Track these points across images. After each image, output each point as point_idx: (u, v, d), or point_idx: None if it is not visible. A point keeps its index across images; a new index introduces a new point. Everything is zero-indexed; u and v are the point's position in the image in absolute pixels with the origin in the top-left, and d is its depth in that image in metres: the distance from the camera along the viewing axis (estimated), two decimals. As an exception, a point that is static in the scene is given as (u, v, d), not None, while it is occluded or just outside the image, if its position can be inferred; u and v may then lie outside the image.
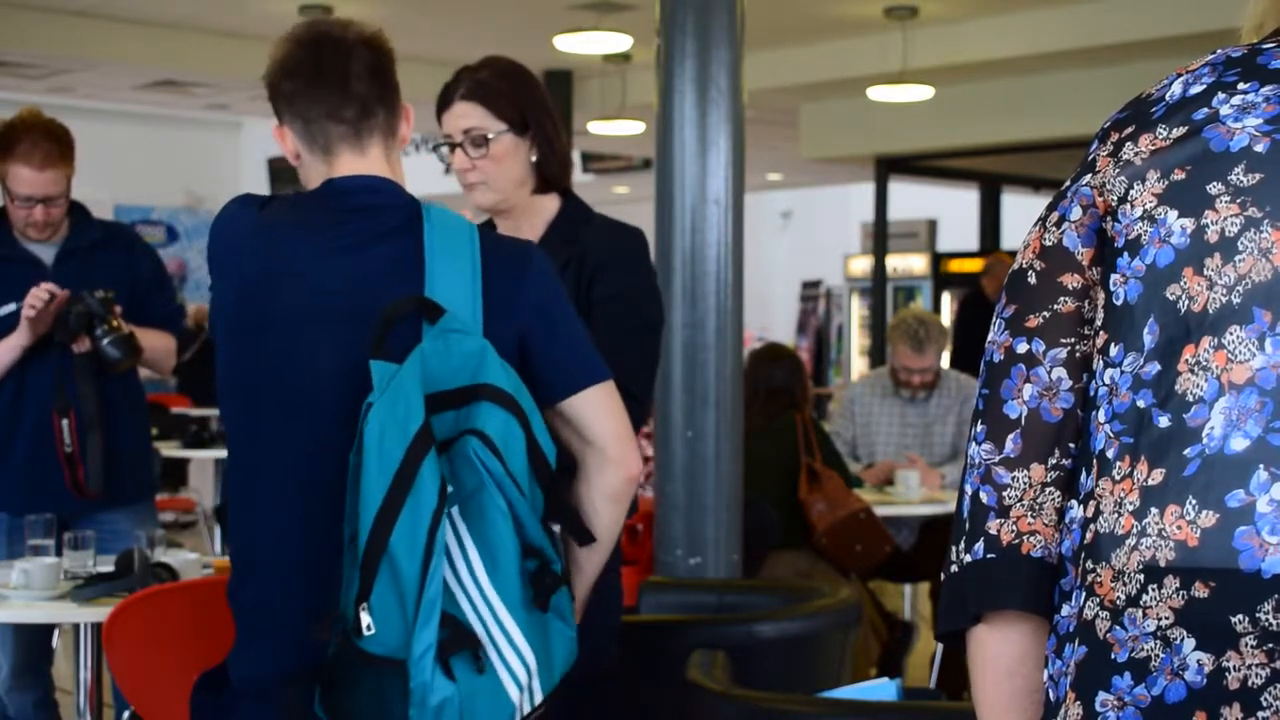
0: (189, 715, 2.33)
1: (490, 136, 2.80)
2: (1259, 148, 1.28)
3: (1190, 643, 1.21)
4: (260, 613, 2.18)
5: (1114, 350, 1.32)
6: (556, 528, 2.13)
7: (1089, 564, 1.28)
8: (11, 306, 3.90)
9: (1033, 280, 1.38)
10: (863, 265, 16.11)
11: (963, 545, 1.36)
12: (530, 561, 2.01)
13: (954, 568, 1.37)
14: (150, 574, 3.33)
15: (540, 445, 2.05)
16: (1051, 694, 1.31)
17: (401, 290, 2.10)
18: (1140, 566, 1.24)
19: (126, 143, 16.00)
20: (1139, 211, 1.31)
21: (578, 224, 2.87)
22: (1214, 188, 1.28)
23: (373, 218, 2.18)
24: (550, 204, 2.91)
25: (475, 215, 2.89)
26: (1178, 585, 1.22)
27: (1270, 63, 1.32)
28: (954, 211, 16.18)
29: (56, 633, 4.55)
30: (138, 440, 4.14)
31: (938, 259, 15.19)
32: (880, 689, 2.73)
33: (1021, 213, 12.97)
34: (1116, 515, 1.27)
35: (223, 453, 7.84)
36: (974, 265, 13.85)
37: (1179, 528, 1.23)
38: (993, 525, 1.35)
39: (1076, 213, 1.37)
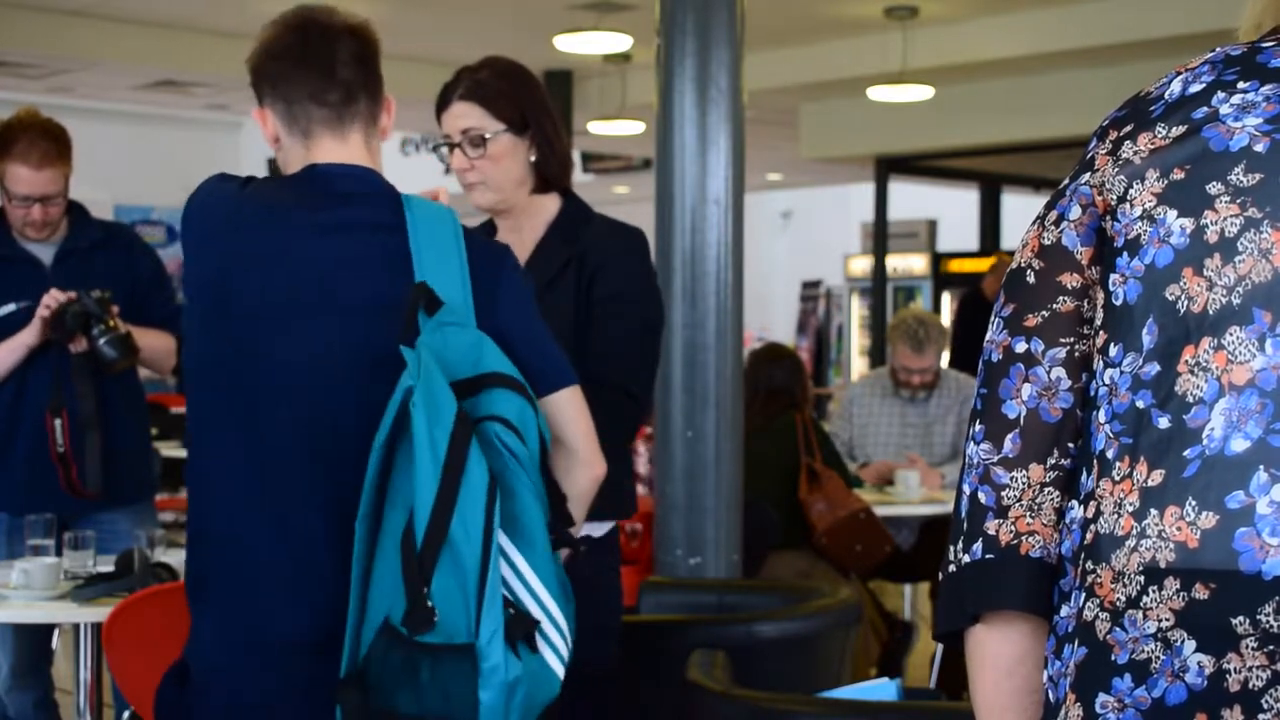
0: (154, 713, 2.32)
1: (488, 136, 2.80)
2: (1259, 147, 1.27)
3: (1191, 644, 1.20)
4: (223, 598, 2.16)
5: (1113, 350, 1.31)
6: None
7: (1089, 565, 1.28)
8: (11, 307, 3.90)
9: (1031, 279, 1.38)
10: (863, 265, 16.11)
11: (961, 545, 1.36)
12: (551, 536, 2.04)
13: (952, 568, 1.37)
14: (150, 574, 3.33)
15: (544, 431, 2.08)
16: (1051, 695, 1.31)
17: (389, 281, 2.11)
18: (1140, 568, 1.23)
19: (126, 143, 15.99)
20: (1138, 211, 1.31)
21: (578, 224, 2.87)
22: (1214, 187, 1.28)
23: (356, 205, 2.18)
24: (550, 204, 2.91)
25: (462, 212, 2.88)
26: (1178, 587, 1.21)
27: (1270, 61, 1.32)
28: (954, 211, 16.17)
29: (56, 633, 4.54)
30: (137, 440, 4.14)
31: (938, 259, 15.18)
32: (880, 689, 2.73)
33: (1021, 213, 12.97)
34: (1116, 516, 1.26)
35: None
36: (974, 265, 13.86)
37: (1179, 529, 1.22)
38: (991, 525, 1.35)
39: (1076, 211, 1.37)
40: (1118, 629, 1.24)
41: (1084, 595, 1.27)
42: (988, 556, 1.34)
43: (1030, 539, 1.34)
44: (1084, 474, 1.32)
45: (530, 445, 2.02)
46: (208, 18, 10.03)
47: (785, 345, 6.54)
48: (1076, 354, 1.36)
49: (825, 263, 18.80)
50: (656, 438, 4.49)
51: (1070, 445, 1.35)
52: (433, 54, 10.05)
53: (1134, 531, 1.25)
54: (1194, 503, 1.22)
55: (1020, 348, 1.37)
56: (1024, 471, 1.35)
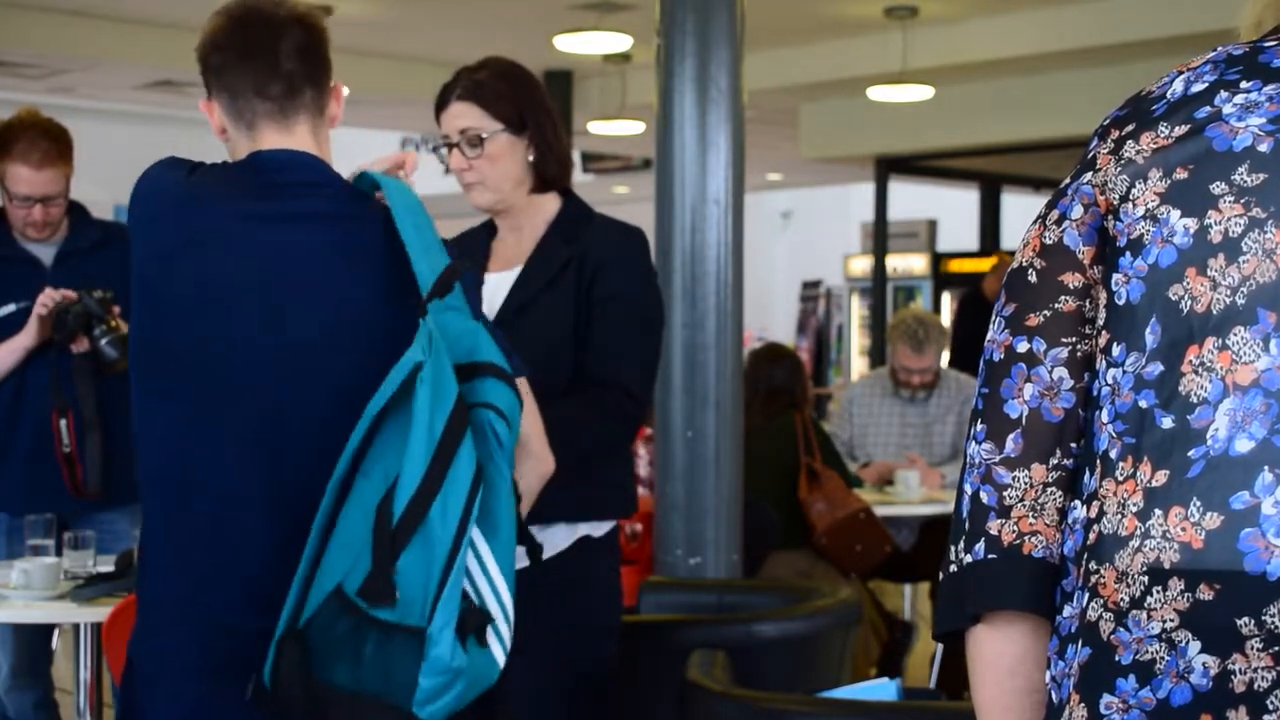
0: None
1: (485, 136, 2.80)
2: (1262, 147, 1.27)
3: (1195, 645, 1.20)
4: (159, 585, 2.15)
5: (1116, 350, 1.31)
6: None
7: (1092, 565, 1.27)
8: (11, 307, 3.89)
9: (1033, 279, 1.38)
10: (863, 265, 16.11)
11: (962, 545, 1.36)
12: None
13: (953, 568, 1.36)
14: (150, 574, 3.32)
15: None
16: (1054, 696, 1.31)
17: (335, 271, 2.10)
18: (1144, 568, 1.23)
19: (126, 143, 15.99)
20: (1141, 210, 1.31)
21: (578, 224, 2.87)
22: (1217, 187, 1.28)
23: (301, 195, 2.17)
24: (550, 204, 2.90)
25: (462, 212, 2.89)
26: (1182, 587, 1.21)
27: (1272, 61, 1.32)
28: (954, 211, 16.17)
29: (56, 633, 4.54)
30: (137, 440, 4.13)
31: (938, 259, 15.19)
32: (880, 689, 2.73)
33: (1021, 213, 12.97)
34: (1120, 516, 1.26)
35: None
36: (974, 265, 13.86)
37: (1183, 529, 1.22)
38: (993, 525, 1.34)
39: (1078, 211, 1.37)
40: (1122, 629, 1.24)
41: (1087, 595, 1.27)
42: (990, 556, 1.34)
43: (1033, 539, 1.33)
44: (1087, 474, 1.32)
45: (514, 437, 2.02)
46: (207, 18, 10.01)
47: (785, 345, 6.54)
48: (1079, 354, 1.35)
49: (825, 263, 18.81)
50: (656, 438, 4.49)
51: (1073, 445, 1.35)
52: (433, 54, 10.06)
53: (1138, 532, 1.24)
54: (1198, 503, 1.22)
55: (1022, 347, 1.36)
56: (1026, 471, 1.34)
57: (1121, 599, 1.24)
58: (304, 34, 2.22)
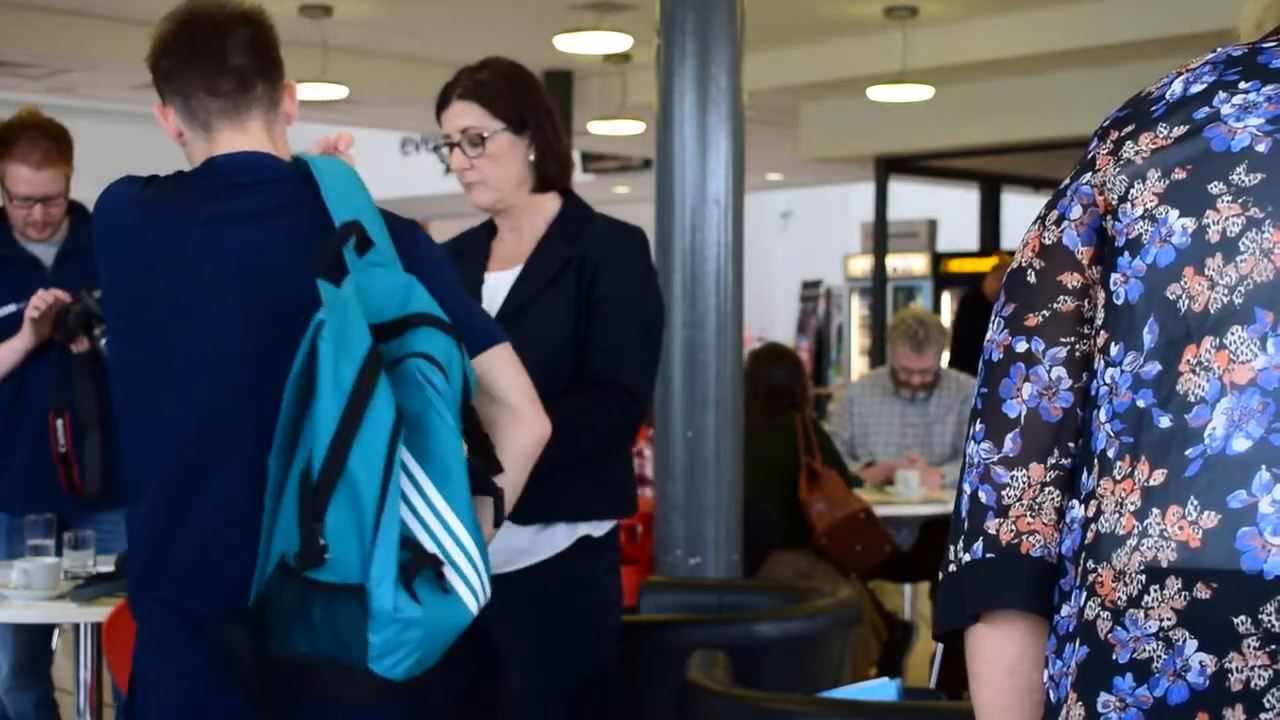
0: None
1: (486, 135, 2.81)
2: (1260, 147, 1.27)
3: (1192, 644, 1.20)
4: (153, 582, 2.16)
5: (1114, 349, 1.31)
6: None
7: (1090, 564, 1.28)
8: (11, 307, 3.89)
9: (1032, 279, 1.38)
10: (863, 265, 16.11)
11: (961, 545, 1.36)
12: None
13: (952, 567, 1.37)
14: (150, 574, 3.32)
15: (469, 373, 2.05)
16: (1052, 694, 1.31)
17: (301, 263, 2.09)
18: (1142, 567, 1.23)
19: (126, 143, 15.99)
20: (1139, 210, 1.31)
21: (578, 223, 2.87)
22: (1215, 187, 1.28)
23: (256, 195, 2.17)
24: (550, 204, 2.91)
25: (463, 212, 2.89)
26: (1180, 586, 1.21)
27: (1271, 62, 1.32)
28: (954, 211, 16.17)
29: (56, 633, 4.54)
30: (138, 440, 4.13)
31: (938, 259, 15.18)
32: (880, 689, 2.73)
33: (1021, 213, 12.97)
34: (1117, 515, 1.26)
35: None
36: (974, 265, 13.86)
37: (1180, 528, 1.22)
38: (992, 525, 1.34)
39: (1076, 211, 1.37)
40: (1119, 628, 1.24)
41: (1085, 594, 1.27)
42: (988, 556, 1.34)
43: (1031, 538, 1.34)
44: (1084, 473, 1.32)
45: (454, 384, 1.99)
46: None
47: (785, 345, 6.55)
48: (1077, 353, 1.36)
49: (825, 263, 18.81)
50: (656, 438, 4.49)
51: (1071, 445, 1.35)
52: (433, 54, 10.06)
53: (1135, 531, 1.25)
54: (1196, 502, 1.22)
55: (1021, 347, 1.36)
56: (1024, 471, 1.35)
57: (1119, 598, 1.24)
58: (250, 31, 2.23)
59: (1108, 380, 1.31)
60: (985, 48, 10.07)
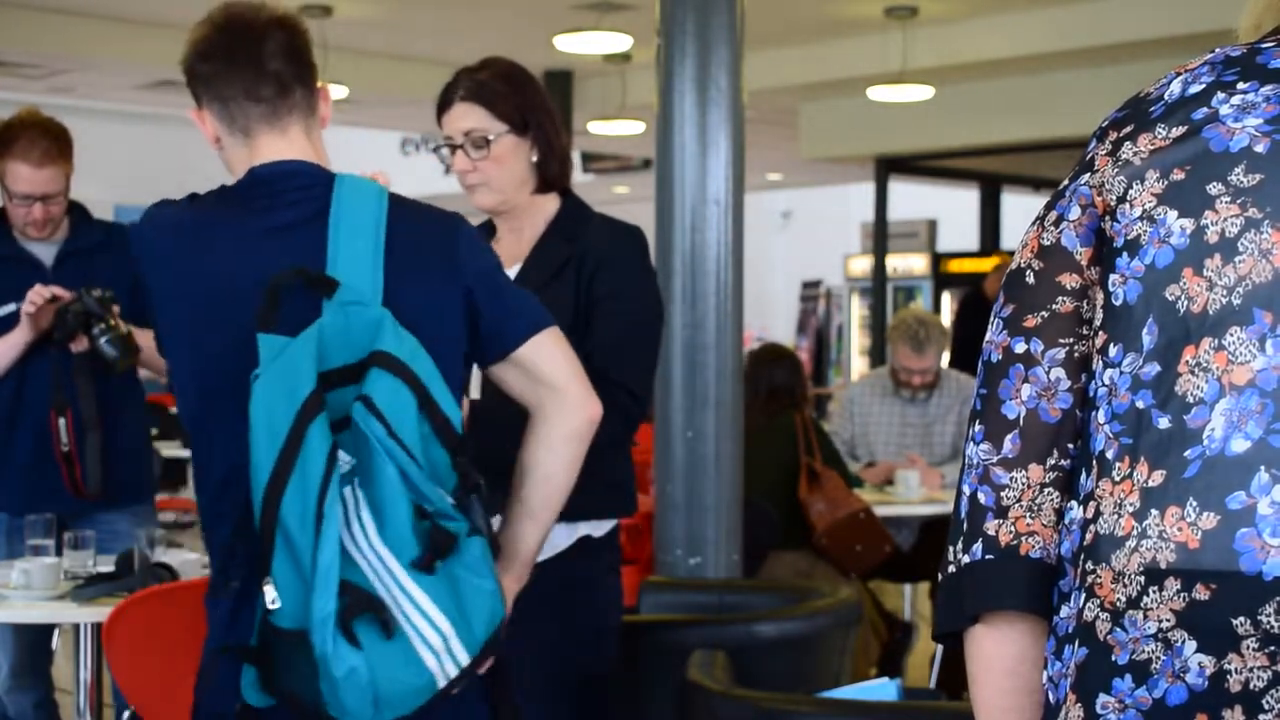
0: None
1: (491, 138, 2.80)
2: (1259, 148, 1.27)
3: (1191, 645, 1.20)
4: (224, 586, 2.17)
5: (1113, 351, 1.31)
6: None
7: (1089, 565, 1.28)
8: (11, 307, 3.89)
9: (1031, 280, 1.38)
10: (863, 265, 16.11)
11: (960, 546, 1.36)
12: (424, 523, 1.98)
13: (951, 568, 1.37)
14: (150, 574, 3.33)
15: (441, 408, 2.02)
16: (1051, 696, 1.31)
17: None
18: (1141, 568, 1.23)
19: (126, 143, 15.98)
20: (1138, 211, 1.31)
21: (577, 223, 2.87)
22: (1214, 188, 1.28)
23: (297, 205, 2.18)
24: (550, 204, 2.91)
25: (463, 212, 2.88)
26: (1179, 587, 1.21)
27: (1270, 62, 1.32)
28: (954, 211, 16.18)
29: (56, 633, 4.54)
30: (137, 440, 4.14)
31: (938, 259, 15.19)
32: (880, 689, 2.73)
33: (1021, 213, 12.97)
34: (1116, 516, 1.26)
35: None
36: (974, 265, 13.86)
37: (1179, 529, 1.22)
38: (991, 526, 1.34)
39: (1075, 212, 1.37)
40: (1118, 629, 1.24)
41: (1084, 596, 1.27)
42: (987, 557, 1.34)
43: (1030, 539, 1.34)
44: (1083, 474, 1.32)
45: (400, 427, 1.97)
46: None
47: (784, 345, 6.55)
48: (1076, 354, 1.36)
49: (825, 263, 18.81)
50: (656, 438, 4.49)
51: (1070, 446, 1.35)
52: (433, 54, 10.06)
53: (1134, 532, 1.25)
54: (1195, 503, 1.22)
55: (1020, 348, 1.36)
56: (1023, 472, 1.35)
57: (1118, 599, 1.24)
58: (287, 36, 2.23)
59: (1106, 381, 1.31)
60: (985, 48, 10.08)
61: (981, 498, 1.35)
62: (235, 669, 2.04)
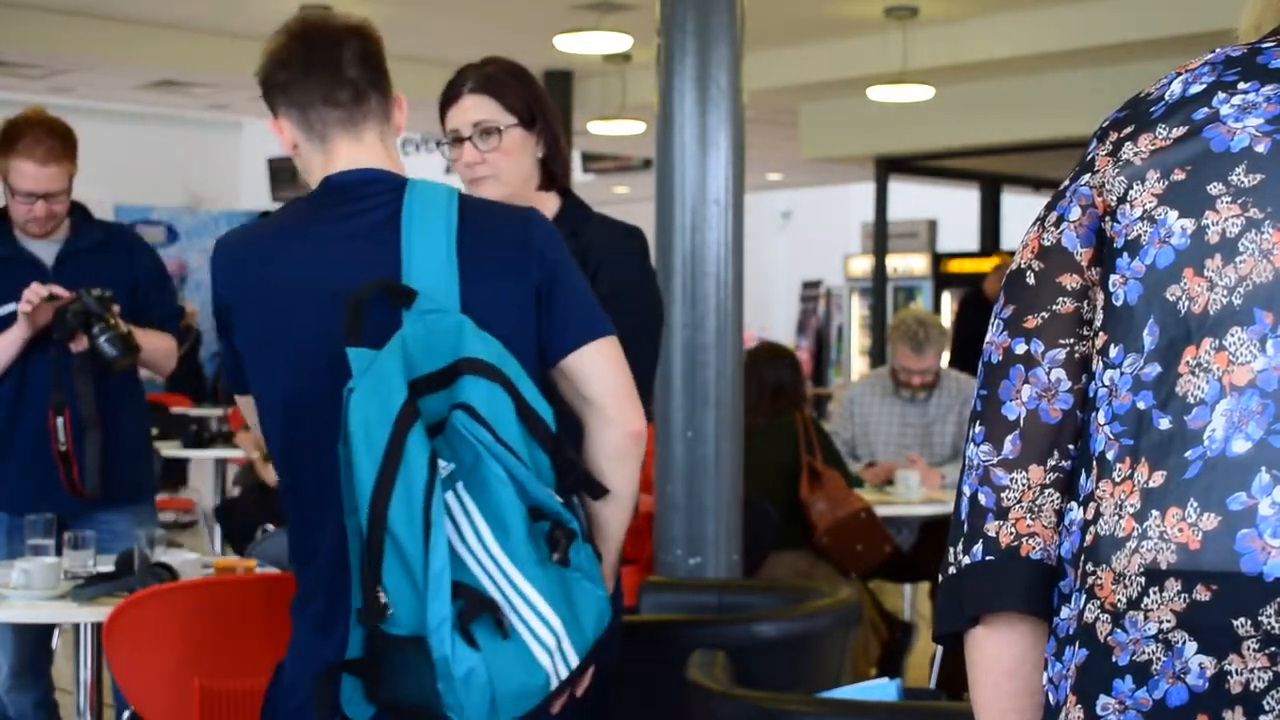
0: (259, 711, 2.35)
1: (502, 129, 2.80)
2: (1260, 148, 1.27)
3: (1192, 646, 1.20)
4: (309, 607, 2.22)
5: (1113, 351, 1.31)
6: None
7: (1089, 566, 1.28)
8: (12, 306, 3.90)
9: (1031, 280, 1.38)
10: (863, 265, 16.12)
11: (961, 547, 1.36)
12: (541, 523, 2.02)
13: (952, 569, 1.37)
14: (150, 574, 3.33)
15: (534, 409, 2.05)
16: (1051, 697, 1.31)
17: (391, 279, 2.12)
18: (1141, 569, 1.23)
19: (126, 143, 15.99)
20: (1139, 212, 1.31)
21: (578, 223, 2.87)
22: (1214, 188, 1.28)
23: (370, 213, 2.20)
24: (551, 203, 2.90)
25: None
26: (1179, 588, 1.21)
27: (1270, 62, 1.32)
28: (954, 211, 16.18)
29: (56, 633, 4.54)
30: (138, 440, 4.14)
31: (938, 259, 15.19)
32: (880, 689, 2.73)
33: (1021, 213, 12.97)
34: (1117, 517, 1.26)
35: (222, 452, 7.88)
36: (974, 265, 13.87)
37: (1180, 530, 1.22)
38: (991, 527, 1.34)
39: (1075, 213, 1.37)
40: (1118, 630, 1.24)
41: (1084, 597, 1.27)
42: (988, 558, 1.34)
43: (1030, 540, 1.33)
44: (1083, 475, 1.32)
45: (503, 431, 2.00)
46: (208, 18, 10.03)
47: (781, 344, 6.55)
48: (1076, 355, 1.36)
49: (825, 263, 18.82)
50: (656, 438, 4.49)
51: (1070, 447, 1.35)
52: (433, 54, 10.05)
53: (1135, 533, 1.25)
54: (1195, 504, 1.22)
55: (1020, 349, 1.36)
56: (1024, 473, 1.34)
57: (1118, 600, 1.24)
58: (362, 43, 2.26)
59: (1107, 382, 1.31)
60: (985, 48, 10.08)
61: (982, 499, 1.35)
62: (334, 684, 2.05)
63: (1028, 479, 1.34)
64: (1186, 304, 1.27)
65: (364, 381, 1.97)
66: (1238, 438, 1.22)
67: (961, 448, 1.40)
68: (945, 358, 6.68)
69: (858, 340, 16.66)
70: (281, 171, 16.33)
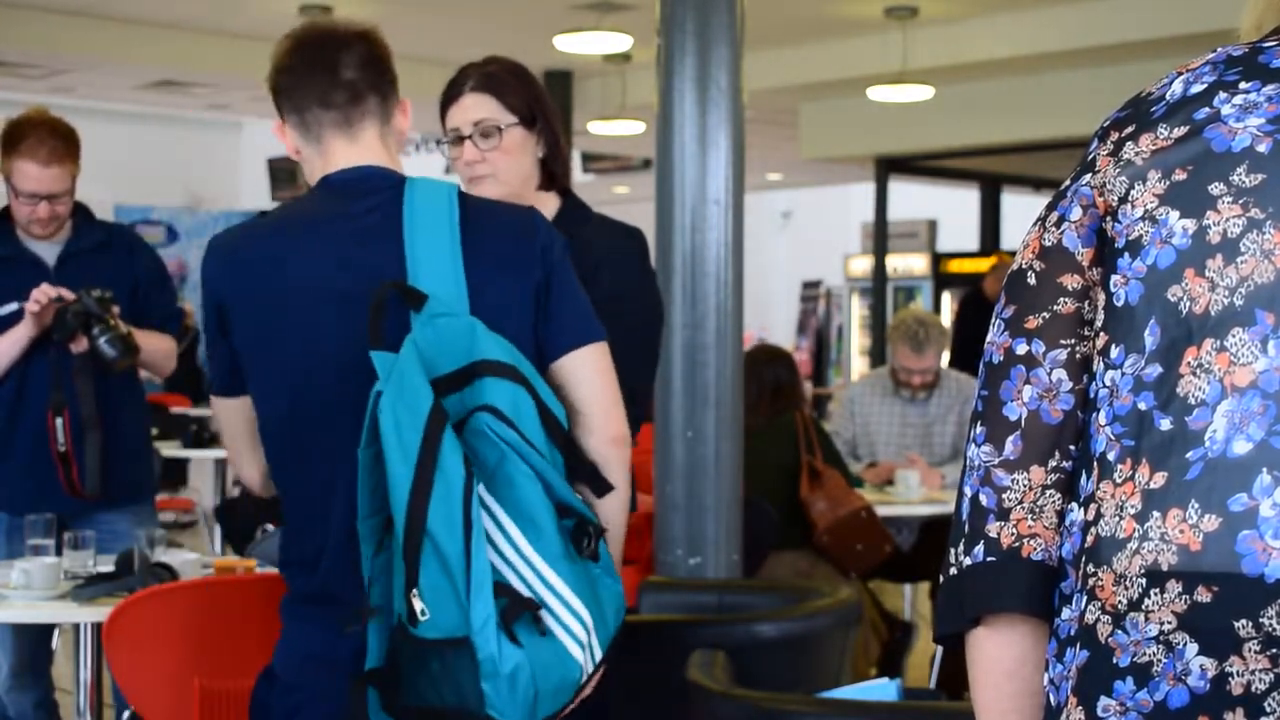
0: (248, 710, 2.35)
1: (502, 127, 2.80)
2: (1261, 148, 1.27)
3: (1193, 648, 1.20)
4: (310, 601, 2.22)
5: (1114, 352, 1.31)
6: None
7: (1090, 567, 1.27)
8: (13, 306, 3.90)
9: (1032, 281, 1.37)
10: (863, 265, 16.12)
11: (961, 548, 1.36)
12: (567, 520, 2.03)
13: (953, 570, 1.36)
14: (150, 574, 3.33)
15: (550, 408, 2.07)
16: (1052, 698, 1.30)
17: (396, 279, 2.12)
18: (1142, 570, 1.23)
19: (126, 143, 15.98)
20: (1140, 212, 1.31)
21: (577, 223, 2.87)
22: (1216, 188, 1.28)
23: (369, 212, 2.19)
24: (551, 202, 2.90)
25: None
26: (1180, 590, 1.21)
27: (1272, 62, 1.32)
28: (954, 211, 16.18)
29: (56, 633, 4.54)
30: (138, 440, 4.14)
31: (938, 259, 15.20)
32: (880, 689, 2.73)
33: (1021, 213, 12.97)
34: (1118, 519, 1.26)
35: (222, 452, 7.87)
36: (974, 265, 13.87)
37: (1181, 531, 1.22)
38: (992, 528, 1.34)
39: (1076, 213, 1.37)
40: (1119, 632, 1.24)
41: (1085, 598, 1.27)
42: (989, 559, 1.34)
43: (1032, 541, 1.33)
44: (1084, 476, 1.32)
45: (528, 431, 2.02)
46: (208, 18, 10.03)
47: (778, 346, 6.55)
48: (1077, 356, 1.35)
49: (825, 263, 18.82)
50: (656, 437, 4.49)
51: (1071, 447, 1.35)
52: (433, 54, 10.04)
53: (1136, 534, 1.24)
54: (1196, 505, 1.22)
55: (1021, 349, 1.36)
56: (1025, 474, 1.34)
57: (1119, 601, 1.24)
58: (366, 47, 2.27)
59: (1107, 383, 1.31)
60: (985, 48, 10.08)
61: (983, 499, 1.35)
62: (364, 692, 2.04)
63: (1029, 480, 1.34)
64: (1188, 304, 1.27)
65: (390, 385, 1.97)
66: (1239, 439, 1.22)
67: (962, 448, 1.39)
68: (945, 358, 6.67)
69: (858, 340, 16.67)
70: (281, 171, 16.33)
